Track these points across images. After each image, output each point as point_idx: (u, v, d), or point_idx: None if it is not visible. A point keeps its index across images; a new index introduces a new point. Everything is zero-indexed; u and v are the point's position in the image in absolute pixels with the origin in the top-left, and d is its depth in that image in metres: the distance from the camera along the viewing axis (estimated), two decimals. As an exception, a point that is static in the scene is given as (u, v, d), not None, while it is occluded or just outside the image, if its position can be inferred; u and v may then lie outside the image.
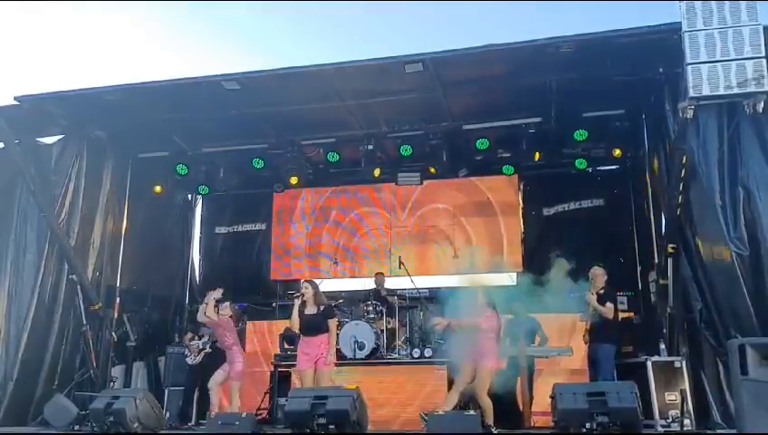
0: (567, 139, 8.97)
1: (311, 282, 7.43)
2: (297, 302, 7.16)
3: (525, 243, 10.45)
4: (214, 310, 7.67)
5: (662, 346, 7.30)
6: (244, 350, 8.31)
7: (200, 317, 7.91)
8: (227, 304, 8.01)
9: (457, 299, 7.13)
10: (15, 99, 7.77)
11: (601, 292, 7.41)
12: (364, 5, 19.80)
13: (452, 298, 7.25)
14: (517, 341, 7.68)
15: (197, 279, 11.64)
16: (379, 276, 9.96)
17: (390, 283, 9.99)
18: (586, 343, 7.53)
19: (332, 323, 7.24)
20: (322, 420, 5.92)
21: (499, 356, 6.84)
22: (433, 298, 9.65)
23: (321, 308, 7.19)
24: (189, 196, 11.54)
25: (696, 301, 6.84)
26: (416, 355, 8.48)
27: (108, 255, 8.99)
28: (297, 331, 7.30)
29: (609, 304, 7.29)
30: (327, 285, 10.31)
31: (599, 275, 7.53)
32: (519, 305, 7.81)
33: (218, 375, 7.77)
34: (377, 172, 9.62)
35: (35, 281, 8.03)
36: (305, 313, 7.18)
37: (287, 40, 22.75)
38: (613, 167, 10.12)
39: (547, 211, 10.53)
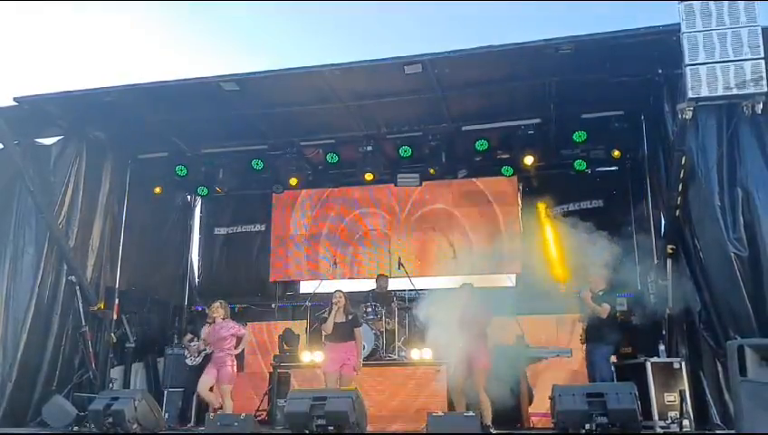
0: (566, 140, 8.98)
1: (341, 291, 7.64)
2: (334, 309, 7.42)
3: (524, 244, 10.43)
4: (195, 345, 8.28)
5: (661, 347, 7.32)
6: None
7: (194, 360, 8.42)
8: (218, 304, 7.97)
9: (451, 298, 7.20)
10: (15, 99, 7.76)
11: (600, 293, 7.43)
12: (364, 5, 19.80)
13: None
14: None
15: (196, 280, 11.64)
16: (381, 279, 9.91)
17: (390, 284, 9.97)
18: (582, 343, 7.54)
19: (359, 331, 7.51)
20: (322, 422, 5.93)
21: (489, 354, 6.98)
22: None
23: (350, 317, 7.45)
24: (188, 197, 11.53)
25: (696, 302, 6.85)
26: (415, 356, 8.47)
27: (107, 256, 8.98)
28: (325, 336, 7.49)
29: (605, 305, 7.30)
30: (326, 287, 10.28)
31: (597, 278, 7.54)
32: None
33: (206, 381, 7.58)
34: (369, 177, 9.63)
35: (34, 282, 8.01)
36: (335, 320, 7.40)
37: (287, 40, 22.75)
38: (612, 168, 10.12)
39: (546, 212, 10.51)
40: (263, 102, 8.33)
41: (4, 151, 8.21)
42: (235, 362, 7.80)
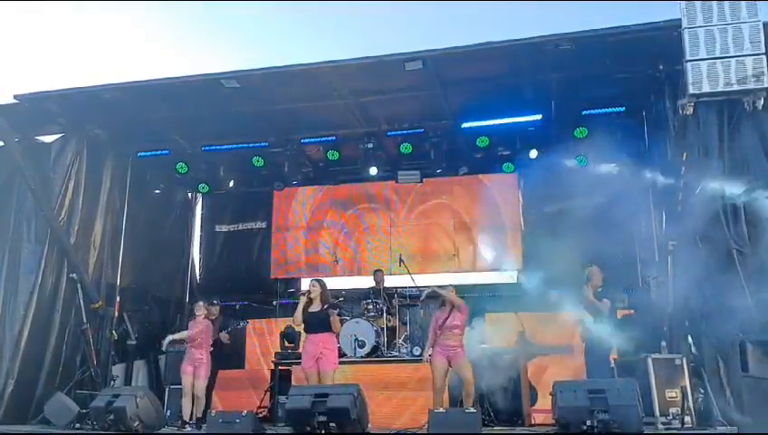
0: (567, 136, 8.96)
1: (319, 280, 7.31)
2: (303, 299, 7.08)
3: (525, 241, 10.43)
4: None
5: (663, 344, 7.29)
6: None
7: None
8: (201, 303, 7.97)
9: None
10: (15, 97, 7.78)
11: (599, 290, 7.42)
12: (364, 5, 19.77)
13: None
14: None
15: (197, 278, 11.64)
16: (378, 274, 9.92)
17: (391, 281, 9.97)
18: (583, 340, 7.53)
19: (334, 317, 7.07)
20: (323, 418, 5.92)
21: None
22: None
23: (326, 306, 7.10)
24: (189, 194, 11.53)
25: (697, 298, 6.83)
26: (416, 353, 8.47)
27: (108, 253, 9.00)
28: (299, 328, 7.22)
29: (606, 300, 7.31)
30: (327, 284, 10.27)
31: (595, 272, 7.53)
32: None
33: (187, 383, 7.55)
34: (373, 170, 9.64)
35: (35, 279, 8.03)
36: (309, 310, 7.09)
37: (287, 40, 22.72)
38: (613, 164, 10.10)
39: (548, 209, 10.50)
40: (263, 99, 8.33)
41: (5, 149, 8.22)
42: (209, 359, 7.76)
